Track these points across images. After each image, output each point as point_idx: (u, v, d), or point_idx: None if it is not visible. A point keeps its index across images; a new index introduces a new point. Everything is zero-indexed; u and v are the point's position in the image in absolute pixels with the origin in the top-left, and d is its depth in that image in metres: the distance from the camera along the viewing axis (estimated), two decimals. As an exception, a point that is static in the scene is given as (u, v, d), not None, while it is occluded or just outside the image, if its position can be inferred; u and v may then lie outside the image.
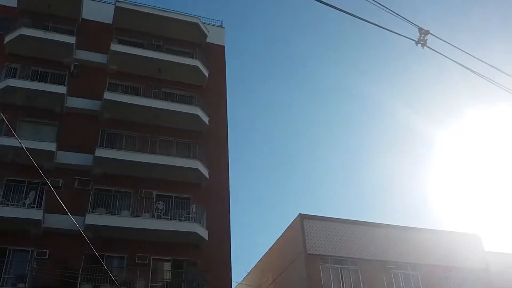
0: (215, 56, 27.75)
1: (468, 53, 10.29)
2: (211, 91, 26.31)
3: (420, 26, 9.62)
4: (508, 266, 24.89)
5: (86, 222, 19.11)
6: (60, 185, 20.28)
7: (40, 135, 21.67)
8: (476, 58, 10.31)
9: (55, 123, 22.36)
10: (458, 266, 24.03)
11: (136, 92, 24.57)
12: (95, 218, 19.59)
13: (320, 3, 8.00)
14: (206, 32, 27.34)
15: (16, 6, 24.28)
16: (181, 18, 26.83)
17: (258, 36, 75.33)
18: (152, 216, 20.98)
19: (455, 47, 10.15)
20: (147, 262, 20.04)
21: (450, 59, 10.19)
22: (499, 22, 70.26)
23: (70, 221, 18.20)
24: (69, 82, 23.07)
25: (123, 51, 24.63)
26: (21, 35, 22.60)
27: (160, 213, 21.32)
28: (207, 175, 22.82)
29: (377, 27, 9.11)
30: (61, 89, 22.25)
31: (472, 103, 66.17)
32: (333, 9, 8.26)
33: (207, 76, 26.00)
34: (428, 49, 9.70)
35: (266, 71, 73.73)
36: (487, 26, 71.36)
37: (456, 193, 65.47)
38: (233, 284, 22.16)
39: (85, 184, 21.02)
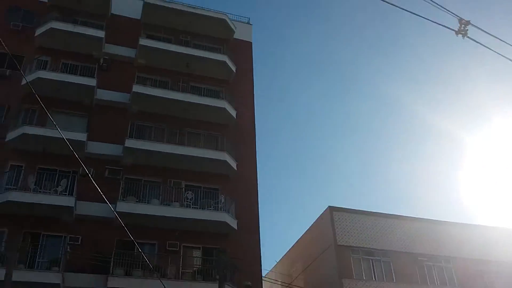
0: (242, 52, 27.84)
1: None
2: (239, 86, 26.37)
3: (459, 16, 9.46)
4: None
5: (117, 210, 19.12)
6: (92, 174, 20.38)
7: (71, 126, 21.85)
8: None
9: (85, 114, 22.59)
10: (492, 259, 23.52)
11: (164, 86, 24.73)
12: (126, 206, 19.64)
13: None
14: (233, 28, 27.47)
15: (46, 0, 24.71)
16: (209, 15, 27.03)
17: (284, 32, 75.78)
18: (182, 205, 21.00)
19: (498, 38, 9.87)
20: (177, 249, 20.05)
21: (493, 50, 9.92)
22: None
23: (101, 208, 18.53)
24: (98, 75, 23.31)
25: (151, 45, 24.85)
26: (51, 28, 22.96)
27: (190, 202, 21.33)
28: (234, 167, 22.79)
29: (416, 19, 8.95)
30: (91, 82, 22.47)
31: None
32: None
33: (235, 71, 26.07)
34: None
35: (292, 66, 74.03)
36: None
37: (488, 192, 64.87)
38: (264, 272, 22.01)
39: (116, 174, 21.14)
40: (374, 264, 22.16)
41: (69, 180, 19.97)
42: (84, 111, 22.62)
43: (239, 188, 22.73)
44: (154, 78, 24.89)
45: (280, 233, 67.35)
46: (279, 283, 23.85)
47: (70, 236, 18.87)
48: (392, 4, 8.81)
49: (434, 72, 71.85)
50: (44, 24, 23.19)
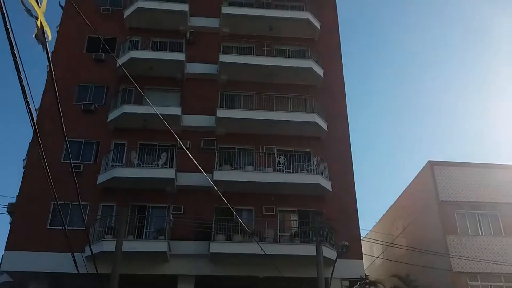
0: (326, 7, 26.89)
1: None
2: (324, 43, 25.62)
3: None
4: None
5: (214, 178, 19.94)
6: (188, 146, 21.33)
7: (165, 101, 22.89)
8: None
9: (178, 89, 23.43)
10: None
11: (249, 52, 24.77)
12: (222, 174, 20.36)
13: None
14: (314, -17, 26.50)
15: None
16: (288, -28, 26.28)
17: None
18: (275, 170, 21.26)
19: None
20: (274, 213, 20.50)
21: None
22: None
23: (200, 178, 19.29)
24: (186, 49, 23.92)
25: (234, 12, 24.93)
26: (138, 8, 23.85)
27: (282, 167, 21.53)
28: (325, 128, 22.47)
29: None
30: (180, 56, 23.15)
31: None
32: None
33: (319, 28, 25.33)
34: None
35: (381, 18, 70.39)
36: None
37: None
38: (363, 233, 21.84)
39: (210, 144, 21.88)
40: (480, 218, 20.99)
41: (169, 153, 21.05)
42: (176, 86, 23.46)
43: (331, 149, 22.44)
44: (239, 46, 24.97)
45: (379, 192, 66.01)
46: (380, 242, 23.51)
47: (173, 206, 20.07)
48: None
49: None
50: (131, 5, 24.15)
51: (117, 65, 21.97)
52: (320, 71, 23.77)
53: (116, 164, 20.47)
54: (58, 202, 10.46)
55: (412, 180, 23.72)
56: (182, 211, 19.93)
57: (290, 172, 21.31)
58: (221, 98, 23.45)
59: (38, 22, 4.81)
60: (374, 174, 67.39)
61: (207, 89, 23.42)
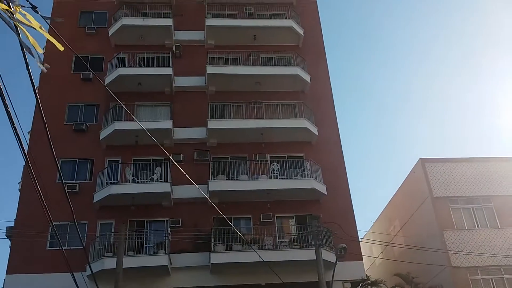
0: (308, 13, 27.26)
1: None
2: (309, 49, 25.94)
3: None
4: None
5: (209, 189, 20.04)
6: (182, 159, 21.45)
7: (156, 116, 23.03)
8: None
9: (168, 103, 23.54)
10: None
11: (235, 62, 25.02)
12: (217, 185, 20.48)
13: None
14: (296, -11, 26.92)
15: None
16: (269, -19, 26.64)
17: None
18: (269, 177, 21.40)
19: None
20: (271, 220, 20.63)
21: None
22: None
23: (195, 191, 19.26)
24: (173, 63, 24.05)
25: (218, 24, 25.19)
26: (122, 25, 23.96)
27: (276, 173, 21.68)
28: (316, 132, 22.70)
29: None
30: (168, 71, 23.28)
31: None
32: None
33: (302, 34, 25.65)
34: None
35: (363, 17, 71.31)
36: None
37: None
38: (361, 234, 22.01)
39: (203, 156, 21.98)
40: (475, 212, 21.29)
41: (163, 167, 21.08)
42: (166, 100, 23.58)
43: (323, 152, 22.66)
44: (225, 57, 25.20)
45: (373, 192, 66.47)
46: (378, 243, 23.69)
47: (171, 220, 20.10)
48: None
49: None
50: (115, 23, 24.29)
51: (106, 83, 22.00)
52: (306, 77, 24.05)
53: (111, 181, 20.46)
54: (55, 223, 10.44)
55: (405, 178, 24.01)
56: (180, 224, 19.97)
57: (284, 178, 21.48)
58: (211, 109, 23.58)
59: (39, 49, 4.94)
60: (367, 174, 67.94)
61: (197, 101, 23.56)
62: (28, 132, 21.05)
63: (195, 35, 25.43)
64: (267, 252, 18.44)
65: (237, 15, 26.44)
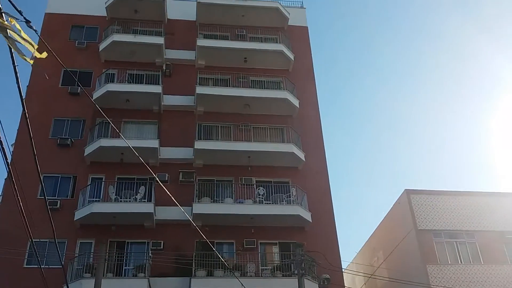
0: (298, 38, 27.51)
1: None
2: (299, 73, 26.10)
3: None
4: None
5: (193, 212, 19.75)
6: (167, 179, 21.16)
7: (143, 134, 22.77)
8: None
9: (155, 121, 23.32)
10: None
11: (225, 83, 25.01)
12: (201, 207, 20.18)
13: None
14: (287, 15, 27.21)
15: (105, 15, 25.64)
16: (261, 5, 26.96)
17: (340, 11, 73.92)
18: (255, 202, 21.19)
19: None
20: (255, 246, 20.34)
21: None
22: None
23: (179, 212, 18.95)
24: (163, 81, 23.92)
25: (209, 45, 25.17)
26: (113, 41, 23.81)
27: (262, 198, 21.49)
28: (303, 158, 22.66)
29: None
30: (157, 89, 23.10)
31: None
32: None
33: (293, 59, 25.82)
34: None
35: (351, 44, 72.25)
36: None
37: None
38: (344, 264, 21.84)
39: (189, 176, 21.70)
40: (458, 246, 21.33)
41: (147, 187, 20.74)
42: (153, 118, 23.36)
43: (309, 178, 22.59)
44: (215, 78, 25.21)
45: (358, 222, 66.47)
46: (361, 274, 23.54)
47: (152, 242, 19.67)
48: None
49: None
50: (106, 38, 24.12)
51: (94, 97, 21.73)
52: (295, 102, 24.11)
53: (94, 199, 20.05)
54: (34, 240, 10.12)
55: (390, 209, 24.00)
56: (162, 247, 19.54)
57: (270, 203, 21.30)
58: (199, 130, 23.41)
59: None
60: (353, 203, 67.94)
61: (184, 120, 23.40)
62: (12, 145, 20.59)
63: (186, 55, 25.39)
64: (249, 280, 18.09)
65: (229, 36, 26.53)
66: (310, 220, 20.85)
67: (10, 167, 7.14)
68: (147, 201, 20.22)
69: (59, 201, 19.65)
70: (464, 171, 63.43)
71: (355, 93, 70.97)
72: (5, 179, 22.11)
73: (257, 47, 25.57)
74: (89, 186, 20.51)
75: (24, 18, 5.03)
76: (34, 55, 5.00)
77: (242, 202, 21.11)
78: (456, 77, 65.51)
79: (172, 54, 25.18)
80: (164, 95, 23.36)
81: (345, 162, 69.60)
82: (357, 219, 66.25)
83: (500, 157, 61.36)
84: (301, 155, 22.64)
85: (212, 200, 21.11)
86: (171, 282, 18.64)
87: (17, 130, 21.20)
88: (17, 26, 4.78)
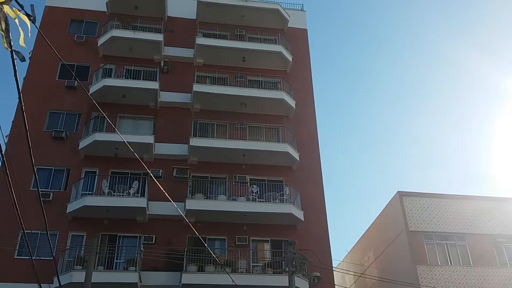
0: (298, 40, 27.66)
1: None
2: (296, 75, 26.23)
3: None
4: None
5: (186, 208, 19.83)
6: (160, 174, 21.26)
7: (138, 129, 22.87)
8: None
9: (151, 117, 23.41)
10: None
11: (223, 82, 25.11)
12: (194, 203, 20.25)
13: None
14: (287, 17, 27.33)
15: (105, 10, 25.77)
16: (261, 6, 27.06)
17: (340, 14, 74.21)
18: (248, 200, 21.30)
19: None
20: (246, 243, 20.45)
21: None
22: None
23: (172, 208, 19.11)
24: (160, 77, 24.03)
25: (208, 44, 25.26)
26: (112, 37, 23.92)
27: (255, 196, 21.59)
28: (297, 158, 22.77)
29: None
30: (154, 85, 23.19)
31: None
32: None
33: (291, 60, 25.95)
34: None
35: (351, 46, 72.50)
36: None
37: None
38: (334, 263, 21.91)
39: (183, 173, 21.79)
40: (449, 248, 21.43)
41: (141, 182, 20.83)
42: (149, 114, 23.45)
43: (303, 178, 22.70)
44: (213, 76, 25.30)
45: (349, 222, 66.64)
46: (351, 273, 23.63)
47: (144, 236, 19.77)
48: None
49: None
50: (105, 33, 24.23)
51: (90, 92, 21.83)
52: (292, 102, 24.22)
53: (87, 192, 20.13)
54: (26, 231, 10.16)
55: (382, 210, 24.11)
56: (154, 241, 19.63)
57: (263, 201, 21.38)
58: (194, 127, 23.49)
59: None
60: (346, 203, 68.11)
61: (181, 117, 23.49)
62: (6, 136, 20.66)
63: (185, 52, 25.50)
64: (240, 276, 18.22)
65: (228, 36, 26.66)
66: (303, 219, 20.95)
67: (4, 158, 7.20)
68: (140, 195, 20.29)
69: (51, 193, 19.71)
70: (463, 177, 63.60)
71: (352, 95, 71.20)
72: (-2, 168, 22.16)
73: (256, 47, 25.68)
74: (83, 179, 20.60)
75: (25, 12, 5.05)
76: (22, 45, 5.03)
77: (235, 200, 21.22)
78: (455, 82, 65.78)
79: (171, 51, 25.29)
80: (161, 92, 23.47)
81: (340, 162, 69.83)
82: (350, 219, 66.49)
83: (499, 165, 61.56)
84: (296, 155, 22.75)
85: (205, 197, 21.19)
86: (162, 276, 18.73)
87: (12, 122, 21.28)
88: (20, 15, 4.80)
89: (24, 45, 4.93)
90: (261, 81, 25.79)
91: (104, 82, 22.49)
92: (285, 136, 23.72)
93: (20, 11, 4.81)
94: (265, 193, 21.87)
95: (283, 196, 21.85)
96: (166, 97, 23.76)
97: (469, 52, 61.39)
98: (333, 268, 20.61)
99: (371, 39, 70.94)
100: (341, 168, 69.64)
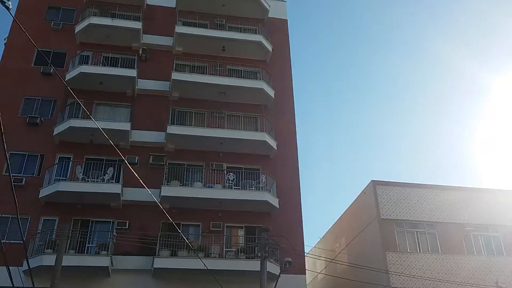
0: (278, 30, 27.72)
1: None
2: (276, 65, 26.35)
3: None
4: None
5: (162, 194, 19.98)
6: (136, 161, 21.35)
7: (114, 117, 22.86)
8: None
9: (128, 104, 23.42)
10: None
11: (202, 71, 25.14)
12: (170, 190, 20.40)
13: None
14: (267, 7, 27.40)
15: (83, -4, 25.62)
16: (242, -4, 27.03)
17: (321, 4, 74.41)
18: (224, 187, 21.49)
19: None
20: (221, 229, 20.68)
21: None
22: None
23: (147, 194, 19.19)
24: (138, 65, 24.02)
25: (187, 32, 25.24)
26: (90, 24, 23.81)
27: (231, 183, 21.80)
28: (275, 147, 22.98)
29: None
30: (132, 73, 23.17)
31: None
32: None
33: (271, 50, 26.06)
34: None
35: (330, 38, 72.78)
36: None
37: None
38: (307, 249, 22.26)
39: (159, 160, 21.91)
40: (419, 236, 21.87)
41: (116, 168, 20.90)
42: (126, 102, 23.45)
43: (280, 167, 22.94)
44: (192, 64, 25.32)
45: (323, 209, 67.35)
46: (323, 259, 24.02)
47: (118, 221, 19.90)
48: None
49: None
50: (83, 21, 24.12)
51: (67, 78, 21.80)
52: (271, 92, 24.38)
53: (60, 178, 20.17)
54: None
55: (356, 198, 24.48)
56: (127, 226, 19.76)
57: (239, 189, 21.60)
58: (172, 115, 23.55)
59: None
60: (321, 191, 68.84)
61: (158, 105, 23.53)
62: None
63: (164, 40, 25.47)
64: (213, 261, 18.44)
65: (208, 25, 26.65)
66: (278, 206, 21.22)
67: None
68: (115, 182, 20.38)
69: (24, 178, 19.73)
70: (446, 169, 64.44)
71: (331, 86, 71.69)
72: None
73: (236, 36, 25.73)
74: (56, 165, 20.62)
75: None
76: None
77: (211, 187, 21.41)
78: (437, 80, 66.39)
79: (150, 39, 25.24)
80: (139, 79, 23.47)
81: (317, 151, 70.50)
82: (325, 206, 67.29)
83: (480, 158, 62.43)
84: (273, 144, 22.95)
85: (181, 184, 21.33)
86: (134, 261, 18.89)
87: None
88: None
89: None
90: (241, 70, 25.87)
91: (81, 69, 22.44)
92: (263, 125, 23.90)
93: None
94: (242, 180, 22.08)
95: (259, 184, 22.09)
96: (144, 84, 23.77)
97: (452, 48, 62.01)
98: (305, 254, 20.93)
99: (352, 30, 71.34)
100: (319, 157, 70.28)
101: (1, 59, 22.75)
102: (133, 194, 20.17)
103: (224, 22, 27.13)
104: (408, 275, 20.00)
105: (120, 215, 20.01)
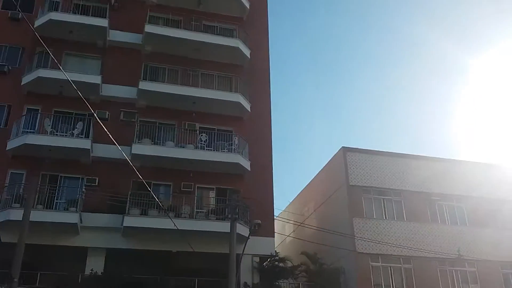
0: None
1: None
2: (253, 24, 25.77)
3: None
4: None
5: (132, 152, 19.64)
6: (107, 117, 20.77)
7: (85, 68, 21.97)
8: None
9: (99, 56, 22.58)
10: (505, 198, 23.50)
11: (176, 25, 24.31)
12: (141, 148, 20.07)
13: None
14: (245, -38, 26.43)
15: None
16: None
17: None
18: (196, 147, 21.32)
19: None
20: (192, 190, 20.64)
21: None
22: None
23: (117, 151, 18.71)
24: (110, 15, 22.99)
25: (162, -18, 24.23)
26: (61, -32, 22.51)
27: (204, 144, 21.63)
28: (248, 109, 22.81)
29: None
30: (103, 22, 22.22)
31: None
32: None
33: (248, 7, 25.40)
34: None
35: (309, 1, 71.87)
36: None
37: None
38: (276, 212, 22.60)
39: (130, 116, 21.43)
40: (385, 203, 22.55)
41: (85, 123, 20.30)
42: (97, 53, 22.61)
43: (253, 129, 22.85)
44: (166, 17, 24.40)
45: (294, 174, 68.33)
46: (291, 222, 24.49)
47: (87, 178, 19.53)
48: None
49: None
50: (54, -35, 22.72)
51: (35, 25, 20.69)
52: (247, 52, 23.93)
53: (28, 130, 19.49)
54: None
55: (326, 164, 24.84)
56: (97, 183, 19.45)
57: (211, 150, 21.46)
58: (145, 70, 22.92)
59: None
60: (293, 156, 69.54)
61: (130, 59, 22.79)
62: None
63: (137, -10, 24.38)
64: (183, 221, 18.47)
65: (184, -22, 25.58)
66: (249, 169, 21.28)
67: None
68: (85, 137, 19.86)
69: (-11, 130, 18.98)
70: (425, 140, 65.75)
71: (309, 48, 71.25)
72: None
73: (212, -10, 24.90)
74: (24, 116, 19.87)
75: None
76: None
77: (183, 147, 21.18)
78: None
79: (122, -13, 24.11)
80: (110, 30, 22.55)
81: (291, 115, 70.77)
82: (296, 171, 68.31)
83: (460, 131, 63.73)
84: (247, 106, 22.75)
85: (153, 142, 20.99)
86: (103, 218, 18.73)
87: None
88: None
89: None
90: (217, 27, 25.21)
91: (50, 16, 21.34)
92: (238, 86, 23.56)
93: None
94: (214, 142, 21.92)
95: (231, 146, 22.01)
96: (116, 36, 22.87)
97: (429, 29, 62.18)
98: (274, 217, 21.28)
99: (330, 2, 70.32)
100: (291, 121, 70.60)
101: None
102: (103, 151, 19.72)
103: (201, -24, 26.09)
104: (374, 241, 20.69)
105: (90, 172, 19.63)
